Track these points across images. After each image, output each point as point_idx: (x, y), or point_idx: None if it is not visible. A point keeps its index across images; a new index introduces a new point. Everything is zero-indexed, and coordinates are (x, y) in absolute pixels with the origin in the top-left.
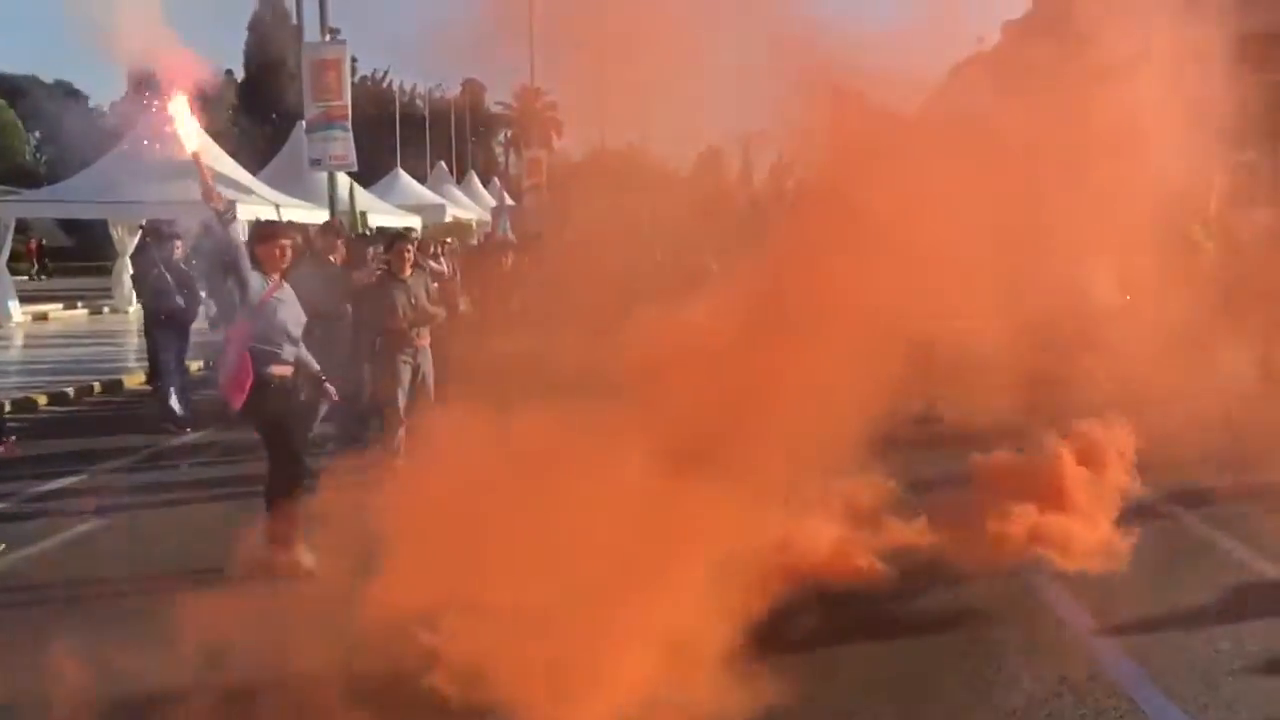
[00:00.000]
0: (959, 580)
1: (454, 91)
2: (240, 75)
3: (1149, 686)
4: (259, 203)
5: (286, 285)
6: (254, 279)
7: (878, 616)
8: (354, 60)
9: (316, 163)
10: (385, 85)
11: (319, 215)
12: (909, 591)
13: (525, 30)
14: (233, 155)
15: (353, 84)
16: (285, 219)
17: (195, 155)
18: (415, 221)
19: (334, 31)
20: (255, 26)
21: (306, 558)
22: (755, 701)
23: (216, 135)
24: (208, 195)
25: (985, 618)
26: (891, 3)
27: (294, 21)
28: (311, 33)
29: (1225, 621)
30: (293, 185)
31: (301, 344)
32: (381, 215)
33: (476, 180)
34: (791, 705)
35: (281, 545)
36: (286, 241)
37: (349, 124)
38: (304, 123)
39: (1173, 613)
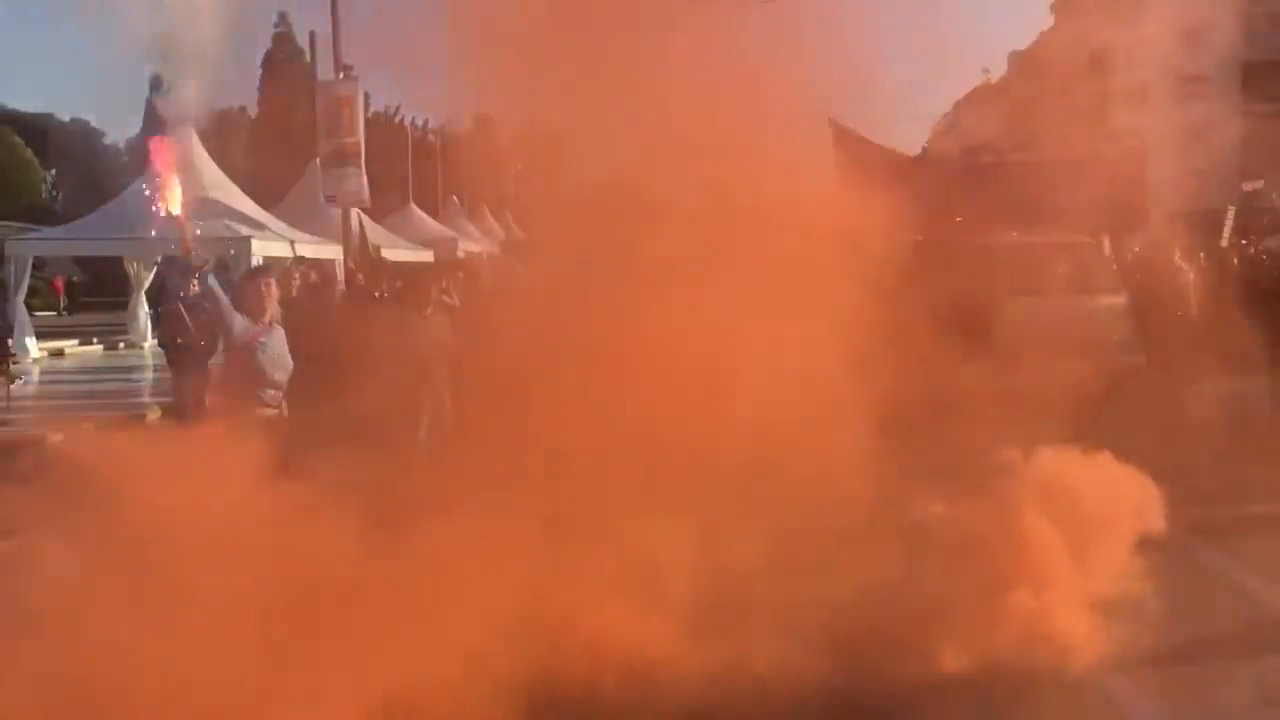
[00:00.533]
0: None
1: (464, 126)
2: (254, 112)
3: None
4: (273, 239)
5: (277, 330)
6: (237, 322)
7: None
8: (366, 96)
9: (331, 199)
10: (398, 121)
11: (333, 251)
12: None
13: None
14: (249, 193)
15: (365, 120)
16: (299, 254)
17: (177, 218)
18: (428, 255)
19: (347, 68)
20: (269, 64)
21: None
22: None
23: (232, 172)
24: (185, 250)
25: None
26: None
27: (308, 59)
28: (325, 70)
29: (1245, 656)
30: (308, 221)
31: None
32: (395, 250)
33: (488, 213)
34: None
35: None
36: (269, 281)
37: (362, 160)
38: (318, 160)
39: (1189, 650)
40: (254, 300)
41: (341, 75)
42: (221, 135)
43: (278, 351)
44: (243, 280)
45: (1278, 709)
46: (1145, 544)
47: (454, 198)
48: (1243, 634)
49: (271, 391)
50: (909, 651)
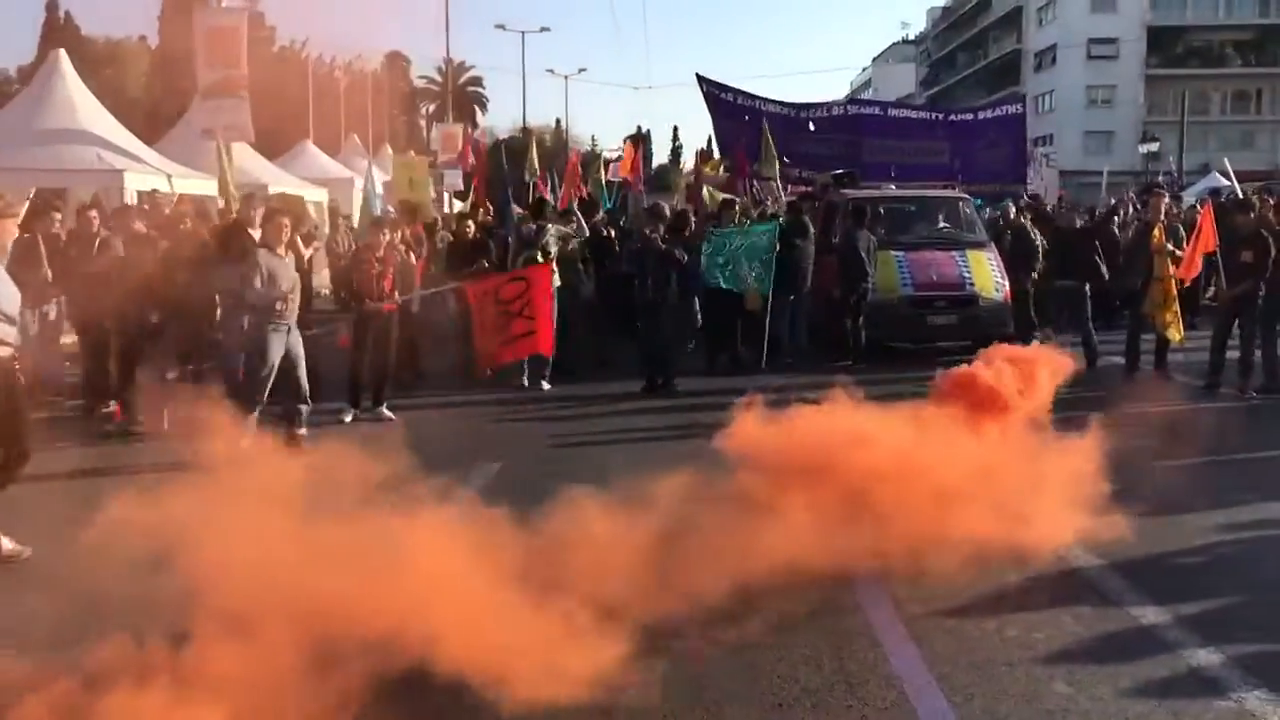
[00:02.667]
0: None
1: (374, 64)
2: (155, 42)
3: (924, 675)
4: (150, 171)
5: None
6: None
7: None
8: (272, 29)
9: (209, 133)
10: (304, 56)
11: (214, 186)
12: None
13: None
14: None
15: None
16: (179, 190)
17: None
18: (322, 194)
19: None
20: None
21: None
22: None
23: (131, 102)
24: None
25: (789, 612)
26: None
27: None
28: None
29: (1019, 610)
30: (192, 155)
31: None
32: (286, 187)
33: (391, 154)
34: None
35: None
36: None
37: (245, 93)
38: (198, 91)
39: (968, 603)
40: None
41: (223, 3)
42: (116, 64)
43: (4, 286)
44: None
45: (1037, 662)
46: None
47: (354, 136)
48: (1025, 590)
49: (4, 326)
50: None
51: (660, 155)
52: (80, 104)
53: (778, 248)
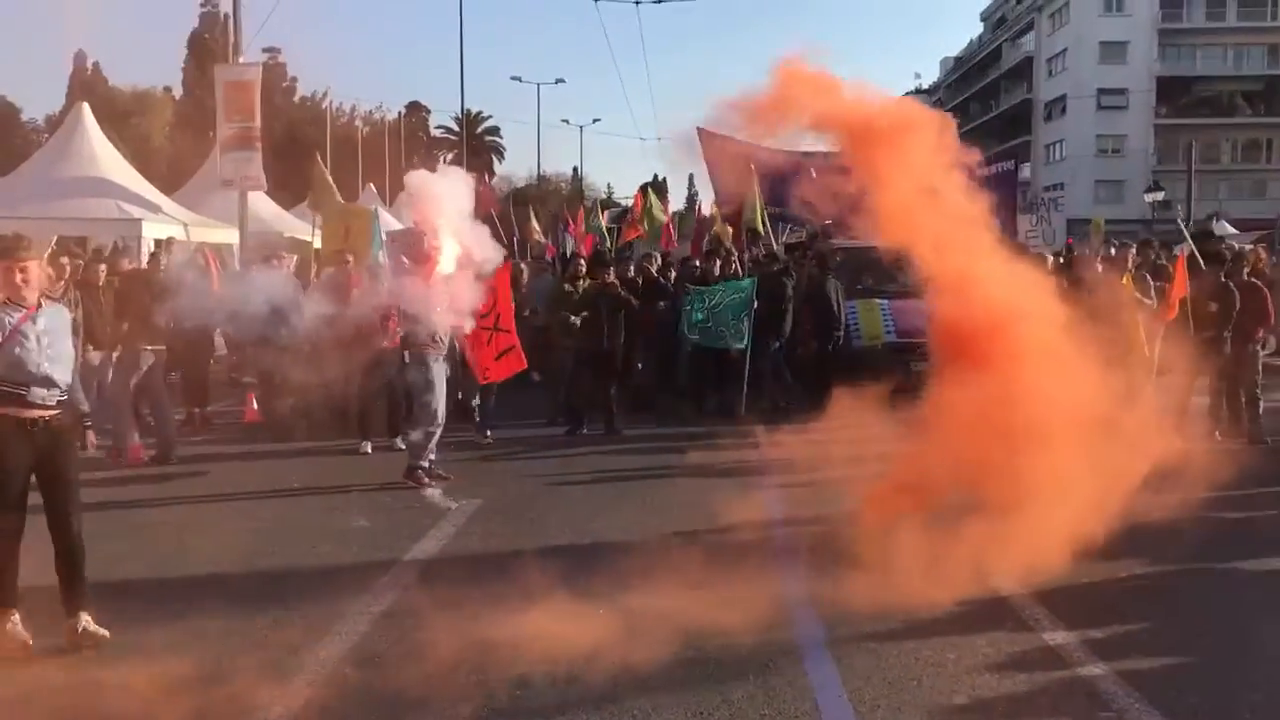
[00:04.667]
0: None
1: (393, 114)
2: (179, 93)
3: (838, 689)
4: (166, 221)
5: (45, 315)
6: None
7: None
8: (294, 80)
9: (229, 183)
10: (324, 106)
11: (229, 235)
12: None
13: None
14: (164, 173)
15: (292, 104)
16: (195, 239)
17: None
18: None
19: (275, 51)
20: (194, 43)
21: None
22: None
23: (152, 152)
24: None
25: (730, 633)
26: None
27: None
28: (250, 53)
29: (938, 634)
30: (211, 206)
31: (71, 383)
32: (300, 234)
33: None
34: None
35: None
36: (18, 263)
37: (259, 145)
38: (217, 144)
39: (893, 627)
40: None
41: (241, 59)
42: (141, 113)
43: (50, 339)
44: None
45: (945, 677)
46: None
47: (371, 186)
48: (952, 613)
49: (37, 389)
50: None
51: (677, 201)
52: (101, 155)
53: (755, 303)
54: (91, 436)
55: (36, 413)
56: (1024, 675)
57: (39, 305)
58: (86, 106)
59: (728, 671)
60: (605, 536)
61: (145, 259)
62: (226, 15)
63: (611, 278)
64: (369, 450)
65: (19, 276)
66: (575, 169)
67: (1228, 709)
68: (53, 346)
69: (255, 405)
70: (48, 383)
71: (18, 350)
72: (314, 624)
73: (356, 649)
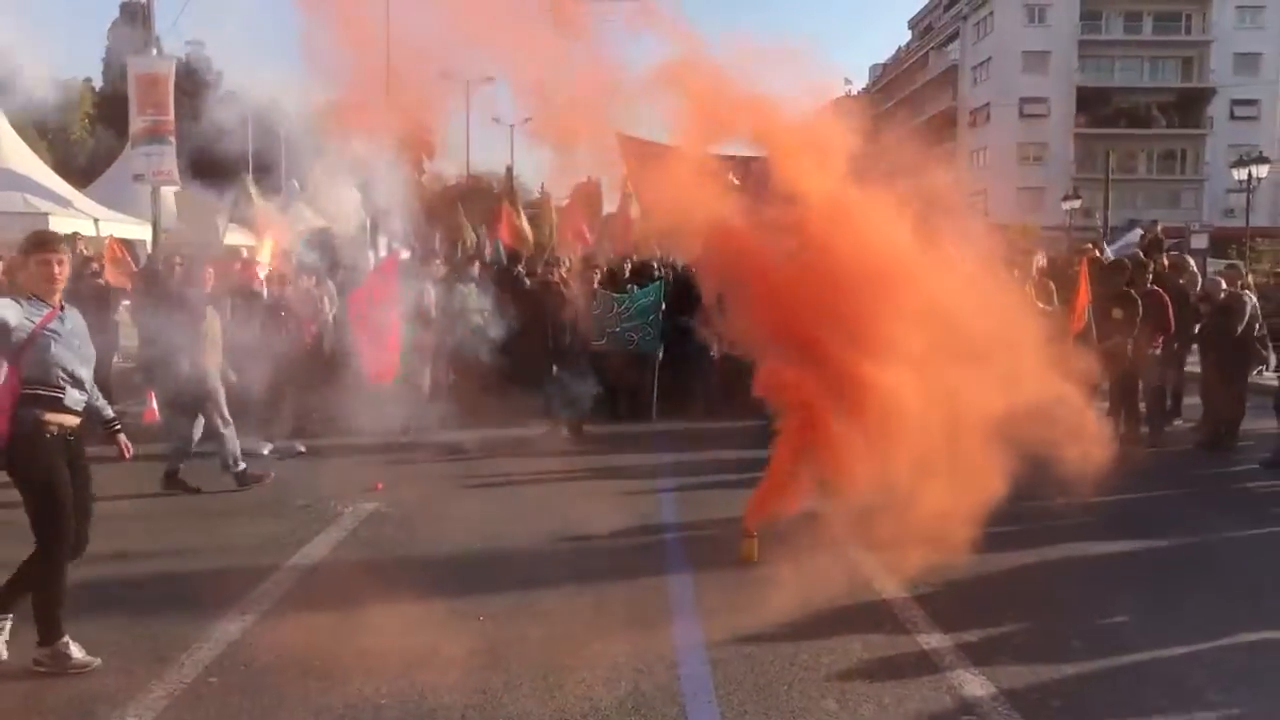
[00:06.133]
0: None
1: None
2: (99, 84)
3: (708, 694)
4: (77, 216)
5: (70, 315)
6: (10, 310)
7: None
8: (219, 74)
9: (140, 177)
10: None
11: (142, 231)
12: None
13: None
14: (83, 166)
15: (216, 98)
16: (106, 234)
17: None
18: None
19: (199, 44)
20: (115, 35)
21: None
22: None
23: (70, 143)
24: None
25: (605, 637)
26: None
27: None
28: (170, 43)
29: (816, 638)
30: (123, 200)
31: (92, 386)
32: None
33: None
34: None
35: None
36: (57, 256)
37: (173, 139)
38: (130, 137)
39: (772, 630)
40: (37, 279)
41: (156, 51)
42: (61, 105)
43: (74, 341)
44: (21, 249)
45: (816, 680)
46: None
47: (294, 181)
48: (835, 619)
49: (73, 391)
50: None
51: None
52: (7, 147)
53: (664, 306)
54: (124, 441)
55: (71, 419)
56: (894, 680)
57: (62, 306)
58: None
59: (598, 678)
60: (495, 543)
61: None
62: (142, 3)
63: (556, 277)
64: (266, 452)
65: (57, 270)
66: (508, 168)
67: (1088, 711)
68: (83, 348)
69: (155, 406)
70: (80, 386)
71: (54, 348)
72: (184, 631)
73: (225, 656)
